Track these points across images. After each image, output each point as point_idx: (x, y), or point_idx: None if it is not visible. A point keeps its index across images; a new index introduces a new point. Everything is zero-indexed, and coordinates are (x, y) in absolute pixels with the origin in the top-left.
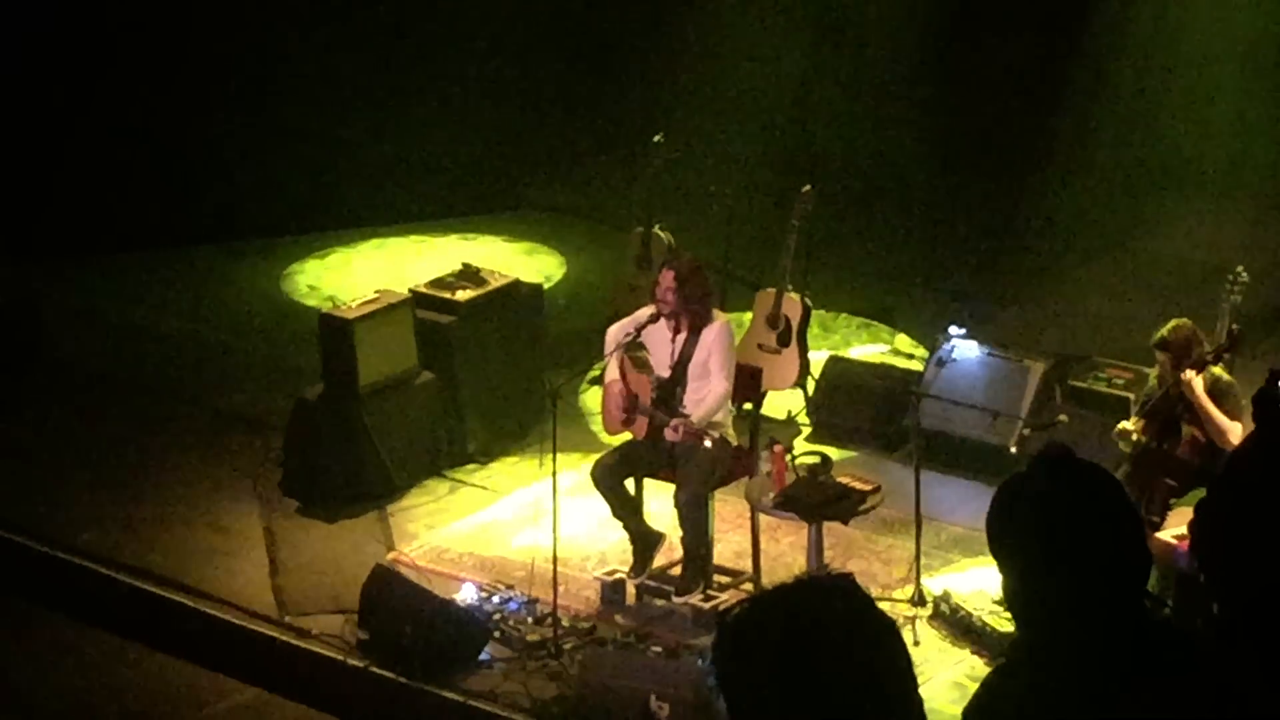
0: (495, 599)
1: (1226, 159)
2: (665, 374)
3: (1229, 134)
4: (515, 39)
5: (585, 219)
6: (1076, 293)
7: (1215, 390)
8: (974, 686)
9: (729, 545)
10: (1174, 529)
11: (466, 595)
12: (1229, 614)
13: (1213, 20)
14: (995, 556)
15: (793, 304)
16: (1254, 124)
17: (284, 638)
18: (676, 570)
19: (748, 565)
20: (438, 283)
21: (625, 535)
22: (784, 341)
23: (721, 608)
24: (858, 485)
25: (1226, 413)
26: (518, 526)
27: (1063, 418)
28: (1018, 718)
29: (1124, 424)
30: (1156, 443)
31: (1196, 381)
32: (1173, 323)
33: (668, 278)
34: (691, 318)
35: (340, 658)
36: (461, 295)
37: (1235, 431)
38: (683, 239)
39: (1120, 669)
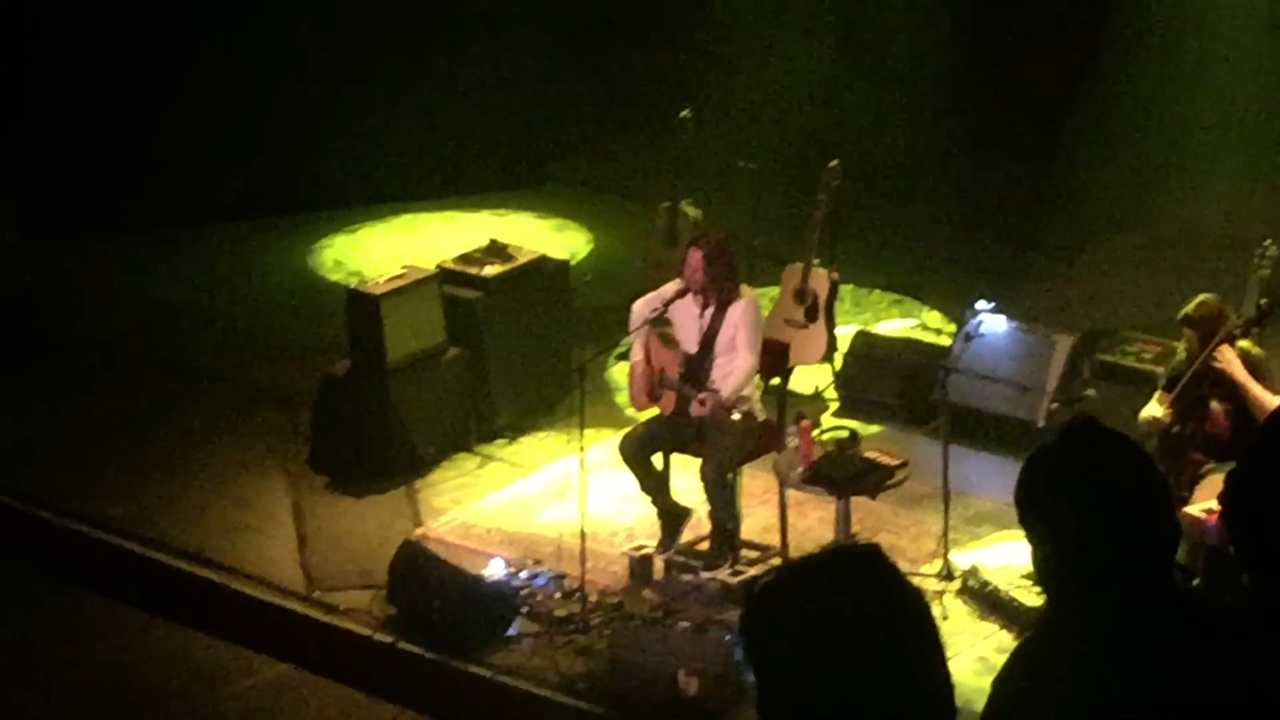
0: (523, 574)
1: (1253, 132)
2: (692, 349)
3: (1255, 107)
4: (545, 14)
5: (612, 194)
6: (1104, 267)
7: (1247, 364)
8: (1002, 661)
9: (757, 520)
10: (1203, 503)
11: (494, 571)
12: (1259, 584)
13: None
14: (1024, 527)
15: (820, 279)
16: (1279, 97)
17: (312, 613)
18: (704, 545)
19: (775, 540)
20: (465, 258)
21: (653, 510)
22: (811, 316)
23: (749, 581)
24: (885, 460)
25: (1264, 387)
26: (545, 502)
27: (1091, 392)
28: (1047, 687)
29: (1149, 413)
30: (1184, 419)
31: (1235, 361)
32: (1199, 298)
33: (696, 256)
34: (719, 294)
35: (368, 633)
36: (489, 271)
37: (1276, 405)
38: (710, 214)
39: (1149, 639)
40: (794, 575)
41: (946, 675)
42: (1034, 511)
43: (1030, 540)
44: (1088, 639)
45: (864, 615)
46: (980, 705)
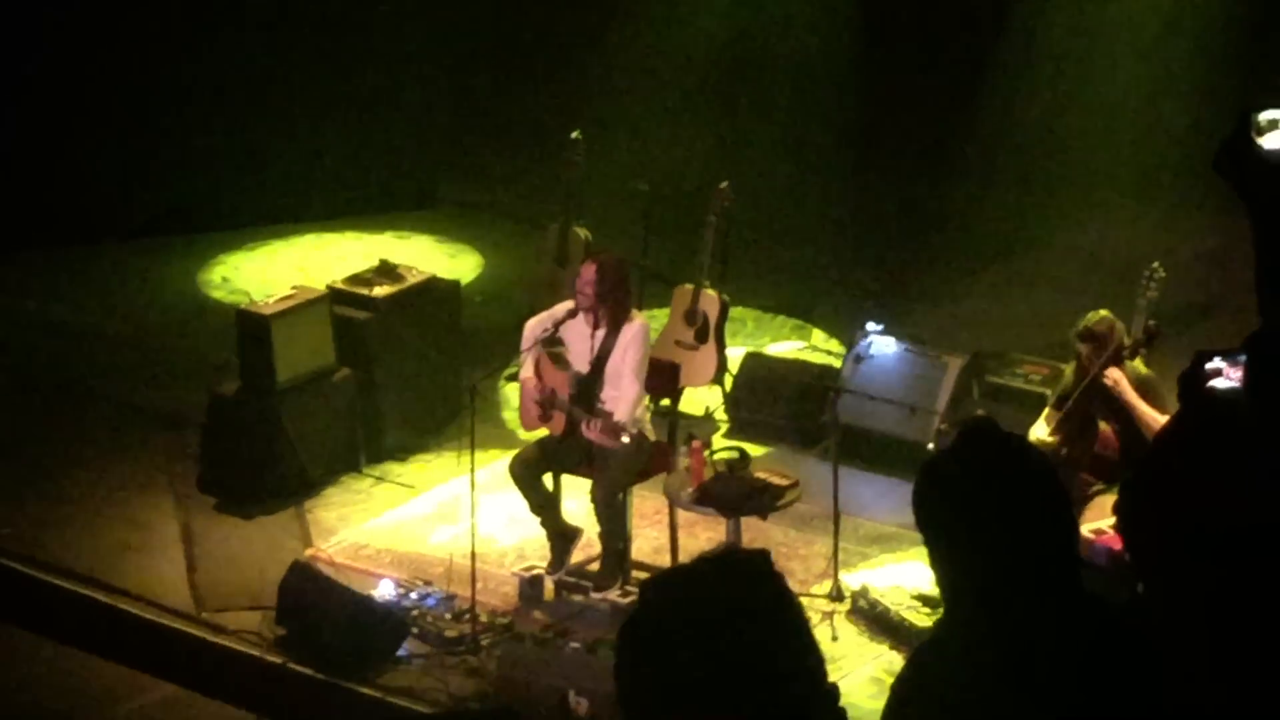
0: (413, 595)
1: (1139, 157)
2: (584, 370)
3: (1142, 133)
4: (434, 36)
5: (503, 216)
6: (993, 290)
7: (1137, 385)
8: (892, 681)
9: (647, 541)
10: (1091, 523)
11: (384, 591)
12: (1154, 592)
13: (1124, 22)
14: (922, 531)
15: (710, 300)
16: (1165, 123)
17: (201, 634)
18: (594, 566)
19: (666, 561)
20: (355, 279)
21: (543, 531)
22: (702, 338)
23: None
24: (776, 480)
25: (1154, 407)
26: (436, 522)
27: (980, 413)
28: (948, 691)
29: (1036, 434)
30: (1073, 439)
31: (1124, 382)
32: (1098, 313)
33: (589, 270)
34: (610, 313)
35: (257, 654)
36: (379, 291)
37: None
38: (600, 235)
39: (1049, 641)
40: (685, 575)
41: (822, 681)
42: (932, 515)
43: (928, 544)
44: (987, 641)
45: (724, 623)
46: None
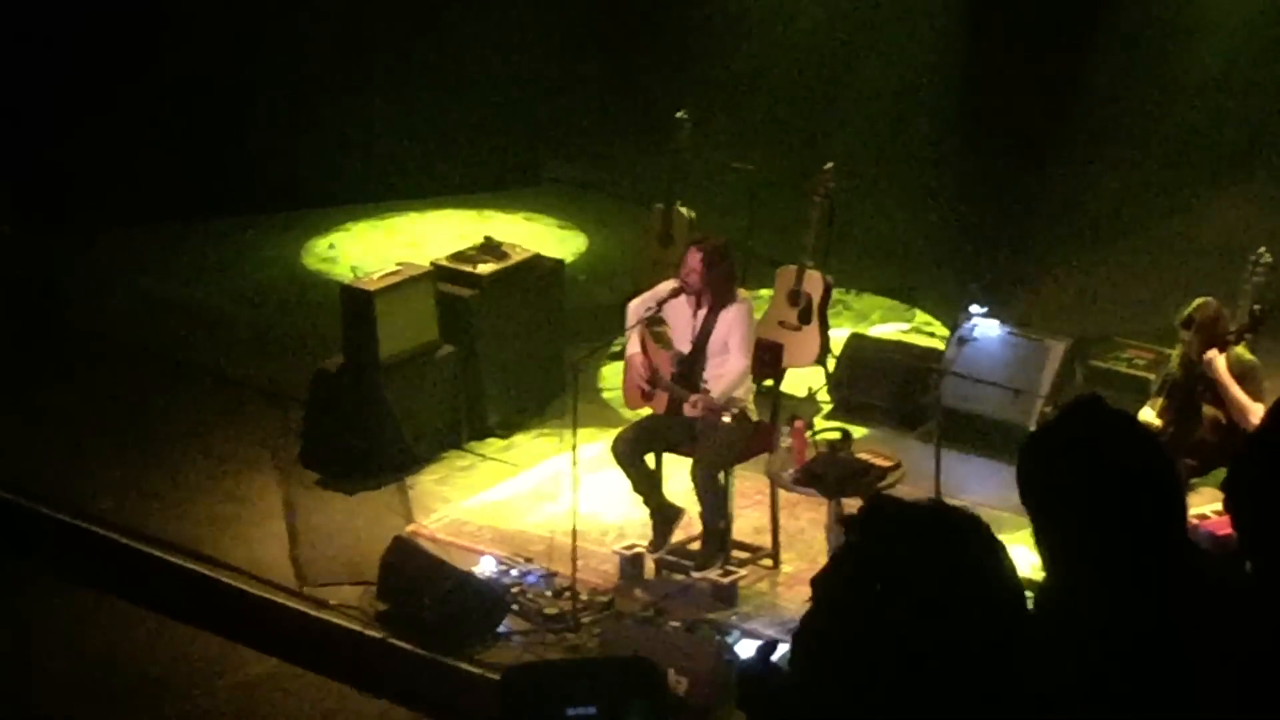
0: (514, 572)
1: (1245, 141)
2: (686, 349)
3: (1248, 116)
4: (541, 13)
5: (608, 195)
6: (1097, 274)
7: (1238, 370)
8: None
9: (748, 521)
10: (1193, 509)
11: (485, 568)
12: (1261, 571)
13: (1230, 3)
14: (1026, 503)
15: (814, 281)
16: (1272, 105)
17: (302, 608)
18: (695, 545)
19: (767, 541)
20: (460, 256)
21: (644, 510)
22: (805, 319)
23: (741, 580)
24: (877, 462)
25: (1249, 393)
26: (537, 500)
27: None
28: (1047, 665)
29: (1144, 417)
30: (1177, 422)
31: (1219, 361)
32: (1198, 300)
33: (694, 258)
34: (714, 294)
35: (358, 629)
36: (483, 269)
37: (1257, 412)
38: (704, 216)
39: (1153, 612)
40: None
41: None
42: (1038, 487)
43: (1032, 516)
44: (1089, 612)
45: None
46: None
